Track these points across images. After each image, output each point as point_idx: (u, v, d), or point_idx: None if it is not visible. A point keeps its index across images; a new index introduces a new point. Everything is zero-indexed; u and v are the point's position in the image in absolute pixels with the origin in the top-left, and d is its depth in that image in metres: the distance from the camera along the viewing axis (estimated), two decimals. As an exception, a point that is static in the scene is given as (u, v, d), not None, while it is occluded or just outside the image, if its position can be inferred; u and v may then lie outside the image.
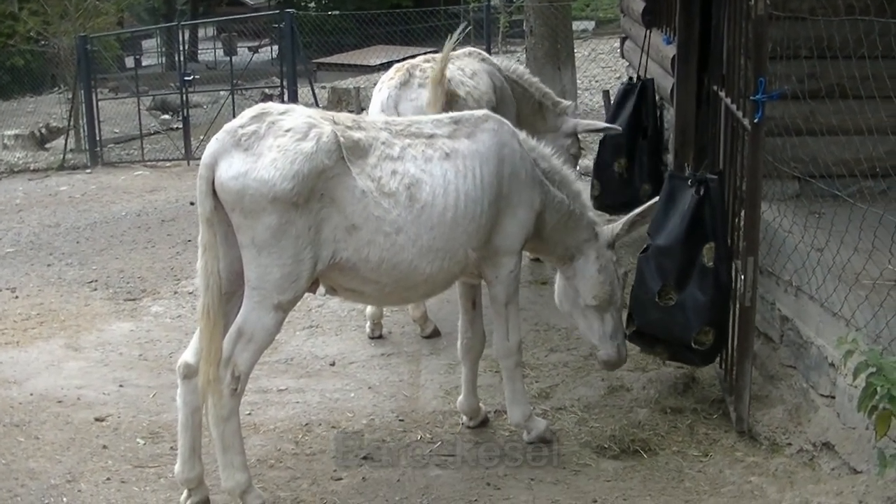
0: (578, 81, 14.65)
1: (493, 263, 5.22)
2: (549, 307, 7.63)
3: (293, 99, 15.61)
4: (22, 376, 6.76)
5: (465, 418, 5.79)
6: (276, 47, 23.61)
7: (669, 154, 8.79)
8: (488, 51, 12.93)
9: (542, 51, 13.00)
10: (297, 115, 4.62)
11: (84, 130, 17.43)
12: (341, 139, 4.62)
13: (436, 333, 7.24)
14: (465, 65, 7.51)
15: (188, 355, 4.80)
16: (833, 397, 5.07)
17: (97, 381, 6.69)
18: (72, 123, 17.98)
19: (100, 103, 17.39)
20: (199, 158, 14.69)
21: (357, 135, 4.74)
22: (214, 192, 4.51)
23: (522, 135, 5.40)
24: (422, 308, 7.18)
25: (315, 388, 6.43)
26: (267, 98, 21.85)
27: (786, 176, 6.02)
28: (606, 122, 9.01)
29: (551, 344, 6.99)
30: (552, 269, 7.23)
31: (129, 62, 29.78)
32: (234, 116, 16.13)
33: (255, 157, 4.45)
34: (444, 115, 5.34)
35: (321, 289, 5.02)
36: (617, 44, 14.34)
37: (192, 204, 12.33)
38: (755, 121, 5.15)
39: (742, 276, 5.36)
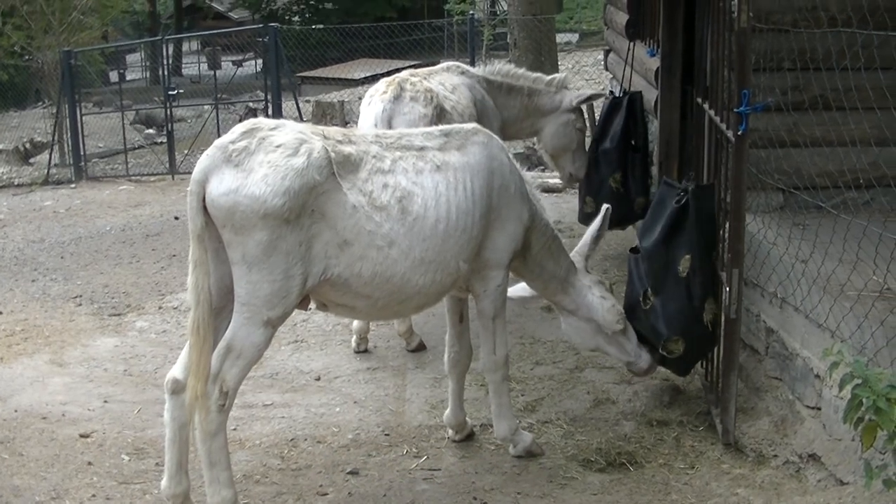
0: (563, 94, 14.63)
1: (481, 277, 5.22)
2: (534, 320, 7.66)
3: (277, 113, 15.62)
4: (6, 392, 6.72)
5: (451, 432, 5.78)
6: (260, 61, 23.58)
7: (654, 166, 8.80)
8: (472, 64, 12.95)
9: (526, 63, 13.08)
10: (287, 131, 4.60)
11: (68, 145, 17.39)
12: (332, 154, 4.61)
13: (421, 347, 7.23)
14: (444, 79, 7.50)
15: (176, 371, 4.77)
16: (819, 409, 5.07)
17: (82, 396, 6.65)
18: (56, 138, 17.93)
19: (84, 118, 17.34)
20: (184, 173, 14.78)
21: (348, 149, 4.73)
22: (205, 208, 4.49)
23: (509, 152, 5.42)
24: (407, 322, 7.17)
25: (300, 402, 6.41)
26: (251, 112, 21.87)
27: (770, 188, 6.04)
28: (594, 137, 9.01)
29: (537, 357, 6.98)
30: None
31: (114, 76, 29.71)
32: (218, 130, 16.19)
33: (246, 174, 4.42)
34: (434, 128, 5.34)
35: (312, 304, 5.00)
36: (601, 56, 14.37)
37: (176, 219, 12.33)
38: (739, 133, 5.16)
39: (727, 288, 5.37)
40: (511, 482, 5.28)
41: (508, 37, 15.78)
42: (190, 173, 15.11)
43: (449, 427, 5.78)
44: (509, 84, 7.98)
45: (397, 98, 6.97)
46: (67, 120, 17.22)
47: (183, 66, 37.00)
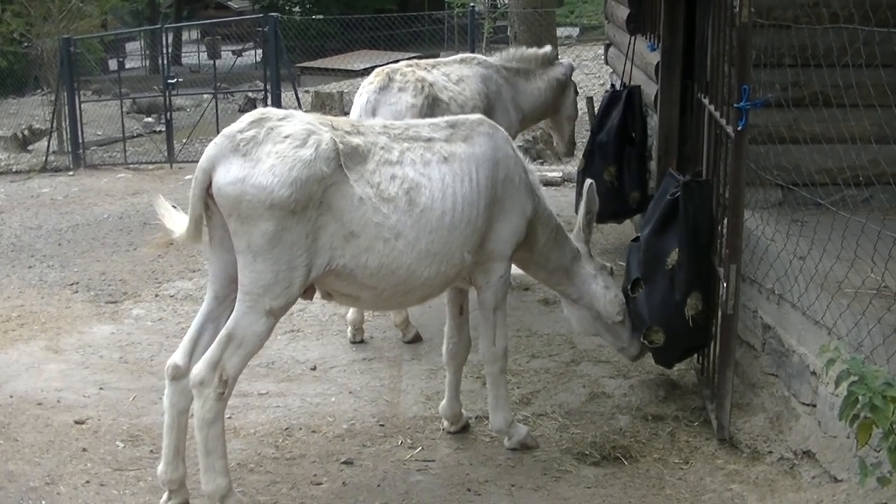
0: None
1: (484, 269, 5.24)
2: (531, 313, 7.66)
3: (276, 103, 15.57)
4: (1, 378, 6.71)
5: (446, 423, 5.78)
6: (259, 51, 23.56)
7: (653, 161, 8.79)
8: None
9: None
10: (296, 122, 4.59)
11: (67, 132, 17.33)
12: (340, 146, 4.61)
13: (417, 338, 7.23)
14: (452, 71, 7.50)
15: (177, 357, 4.78)
16: (814, 406, 5.08)
17: (77, 383, 6.64)
18: (54, 125, 17.88)
19: (83, 105, 17.30)
20: (182, 162, 14.73)
21: (356, 140, 4.73)
22: (209, 196, 4.50)
23: (514, 144, 5.45)
24: (403, 313, 7.17)
25: (296, 392, 6.41)
26: (250, 102, 21.87)
27: (769, 184, 6.03)
28: (592, 130, 9.05)
29: (533, 350, 6.98)
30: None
31: (113, 65, 29.67)
32: (217, 120, 16.14)
33: (254, 163, 4.42)
34: (440, 119, 5.34)
35: (316, 294, 5.00)
36: (601, 50, 14.36)
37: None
38: (739, 128, 5.16)
39: (724, 284, 5.37)
40: (505, 474, 5.28)
41: (509, 30, 15.75)
42: (188, 162, 15.20)
43: (444, 418, 5.78)
44: (525, 68, 8.10)
45: (384, 88, 6.97)
46: (66, 107, 17.16)
47: (182, 55, 36.98)
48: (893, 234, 4.42)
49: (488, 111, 7.38)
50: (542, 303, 7.85)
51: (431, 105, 6.92)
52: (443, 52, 23.94)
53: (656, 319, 5.72)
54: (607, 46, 11.91)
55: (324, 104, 20.76)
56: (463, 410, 5.81)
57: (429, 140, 5.00)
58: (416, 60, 7.61)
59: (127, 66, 33.37)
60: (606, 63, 12.19)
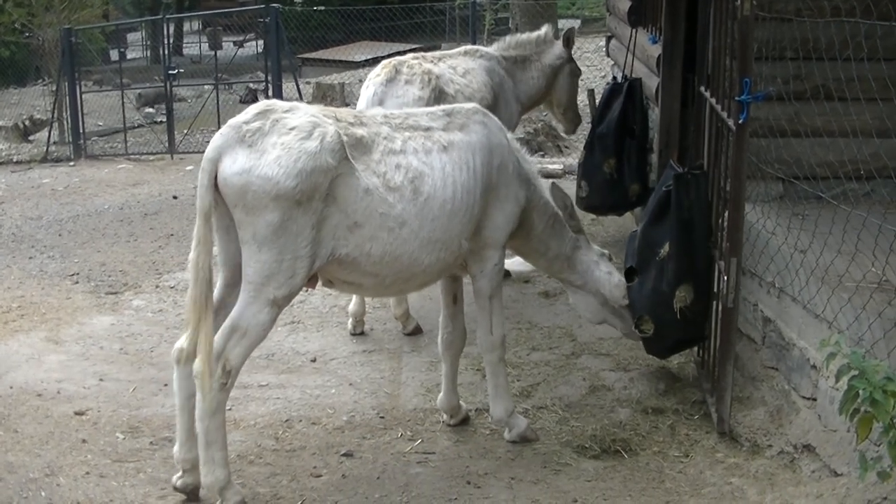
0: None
1: (478, 257, 5.28)
2: (531, 306, 7.65)
3: (277, 94, 15.55)
4: (2, 369, 6.71)
5: (445, 416, 5.78)
6: (261, 42, 23.52)
7: (654, 154, 8.78)
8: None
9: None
10: (301, 114, 4.65)
11: (68, 123, 17.31)
12: (344, 137, 4.65)
13: (417, 331, 7.23)
14: (458, 63, 7.51)
15: (183, 340, 4.80)
16: (814, 399, 5.07)
17: (77, 374, 6.65)
18: (55, 116, 17.85)
19: (84, 96, 17.28)
20: (183, 152, 14.75)
21: (360, 131, 4.78)
22: (216, 187, 4.53)
23: (509, 134, 5.49)
24: (404, 305, 7.17)
25: (296, 384, 6.41)
26: (252, 93, 21.82)
27: (770, 177, 6.02)
28: (593, 122, 9.03)
29: (533, 342, 6.98)
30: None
31: (114, 55, 29.60)
32: (218, 111, 16.14)
33: (259, 154, 4.47)
34: (436, 108, 5.43)
35: (318, 283, 5.04)
36: (602, 42, 14.34)
37: (175, 198, 12.31)
38: (740, 122, 5.16)
39: (725, 278, 5.36)
40: (505, 467, 5.29)
41: (510, 21, 15.75)
42: (189, 153, 15.19)
43: (442, 411, 5.78)
44: (522, 55, 8.08)
45: (391, 81, 6.98)
46: (67, 98, 17.13)
47: (184, 45, 36.90)
48: (894, 227, 4.40)
49: (494, 103, 7.40)
50: (542, 295, 7.84)
51: (438, 98, 6.92)
52: (444, 43, 23.90)
53: (646, 309, 5.75)
54: (608, 39, 11.89)
55: (325, 95, 20.73)
56: (462, 402, 5.81)
57: (428, 129, 5.07)
58: (422, 53, 7.62)
59: (128, 56, 33.29)
60: (608, 55, 12.18)
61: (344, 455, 5.44)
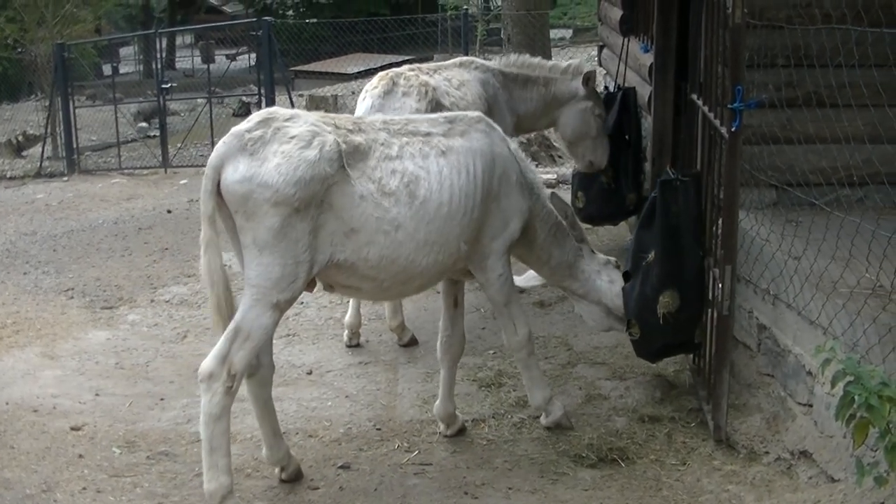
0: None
1: (481, 267, 5.36)
2: (528, 315, 7.63)
3: (270, 107, 15.54)
4: (-3, 385, 6.70)
5: (442, 426, 5.78)
6: (254, 55, 23.52)
7: (647, 162, 8.79)
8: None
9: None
10: (301, 123, 4.75)
11: (61, 138, 17.33)
12: (343, 146, 4.75)
13: (413, 342, 7.23)
14: (453, 75, 7.48)
15: None
16: (811, 405, 5.07)
17: (73, 389, 6.63)
18: (49, 131, 17.87)
19: (77, 111, 17.30)
20: (177, 166, 14.73)
21: (358, 138, 4.87)
22: (219, 193, 4.64)
23: (514, 143, 5.57)
24: (399, 317, 7.16)
25: (292, 396, 6.40)
26: (245, 106, 21.83)
27: (763, 184, 6.03)
28: None
29: (529, 352, 6.96)
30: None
31: (107, 70, 29.62)
32: (211, 124, 16.13)
33: (260, 162, 4.58)
34: (438, 115, 5.51)
35: (318, 286, 5.11)
36: (594, 52, 14.37)
37: (169, 212, 12.30)
38: (733, 129, 5.16)
39: (720, 285, 5.37)
40: (502, 477, 5.28)
41: (502, 32, 15.74)
42: (183, 167, 15.15)
43: (438, 419, 5.78)
44: (525, 75, 7.96)
45: (388, 93, 6.97)
46: (60, 113, 17.16)
47: (176, 59, 36.94)
48: (888, 233, 4.41)
49: (488, 114, 7.37)
50: (537, 305, 7.84)
51: (434, 110, 6.91)
52: (437, 54, 23.93)
53: (632, 312, 5.77)
54: (601, 48, 11.90)
55: (318, 107, 20.72)
56: (458, 413, 5.81)
57: (427, 135, 5.14)
58: (418, 65, 7.60)
59: (121, 70, 33.33)
60: (600, 65, 12.18)
61: (341, 467, 5.43)
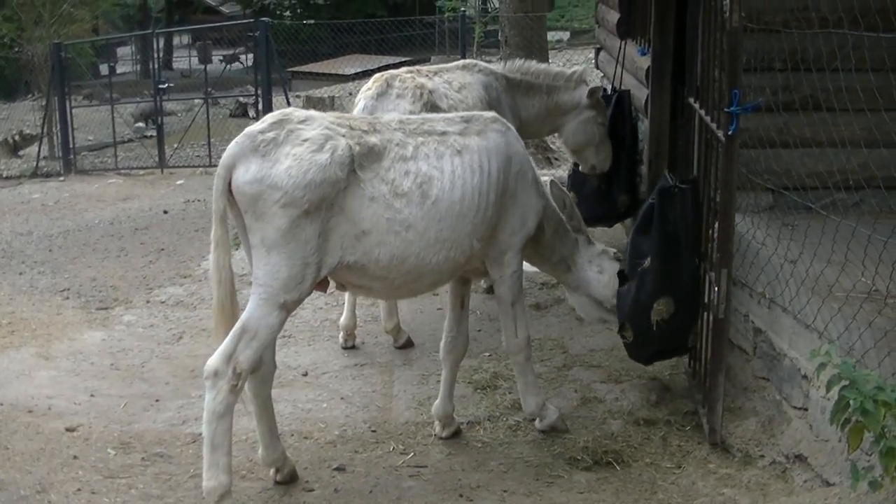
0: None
1: (498, 263, 5.40)
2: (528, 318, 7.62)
3: (267, 108, 15.56)
4: (-8, 386, 6.69)
5: (437, 428, 5.77)
6: (251, 56, 23.52)
7: (644, 165, 8.79)
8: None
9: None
10: (315, 125, 4.77)
11: (58, 138, 17.31)
12: (356, 147, 4.77)
13: (409, 344, 7.22)
14: (454, 78, 7.46)
15: None
16: (806, 409, 5.07)
17: (68, 390, 6.62)
18: (45, 130, 17.85)
19: (73, 110, 17.28)
20: (173, 167, 14.74)
21: (373, 139, 4.89)
22: (230, 192, 4.67)
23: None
24: (395, 319, 7.16)
25: (287, 398, 6.38)
26: (242, 107, 21.83)
27: (759, 188, 6.03)
28: None
29: (525, 355, 6.96)
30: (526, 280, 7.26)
31: (104, 69, 29.61)
32: (208, 125, 16.14)
33: (272, 164, 4.61)
34: (454, 115, 5.55)
35: (332, 285, 5.14)
36: (592, 54, 14.36)
37: (165, 212, 12.30)
38: (729, 133, 5.16)
39: (716, 289, 5.36)
40: (497, 480, 5.27)
41: (500, 34, 15.72)
42: (179, 167, 15.16)
43: (436, 419, 5.78)
44: (528, 82, 7.92)
45: (382, 95, 6.96)
46: (57, 112, 17.14)
47: (174, 60, 36.92)
48: (884, 237, 4.41)
49: None
50: (533, 308, 7.84)
51: (430, 112, 6.89)
52: (434, 56, 23.93)
53: (625, 315, 5.77)
54: (598, 51, 11.91)
55: (315, 109, 20.71)
56: (455, 416, 5.80)
57: (443, 134, 5.16)
58: (417, 67, 7.60)
59: (118, 70, 33.29)
60: (597, 67, 12.20)
61: (336, 469, 5.42)
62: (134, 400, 6.42)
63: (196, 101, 19.10)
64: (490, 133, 5.29)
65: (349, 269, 4.86)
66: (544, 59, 15.37)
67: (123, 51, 36.33)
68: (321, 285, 4.95)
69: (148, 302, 8.59)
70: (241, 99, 22.13)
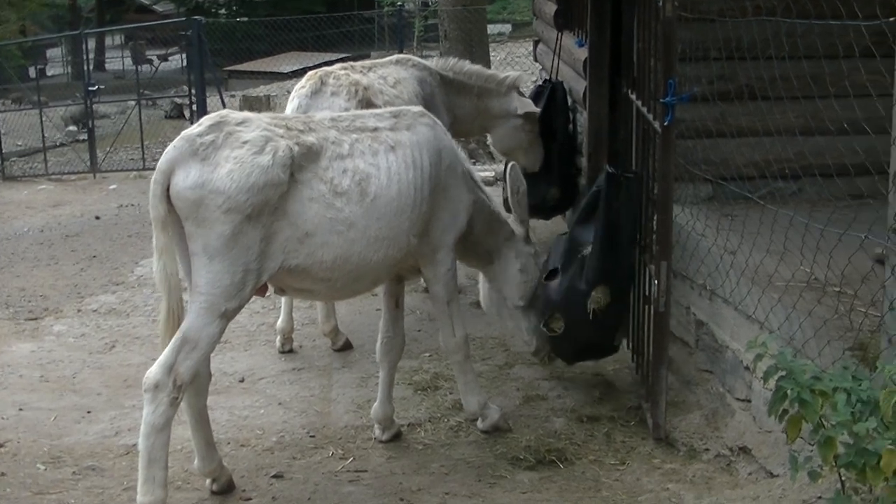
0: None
1: (430, 261, 5.33)
2: (463, 316, 7.55)
3: (202, 108, 15.36)
4: (-85, 402, 6.46)
5: (377, 431, 5.67)
6: (185, 56, 23.27)
7: (583, 158, 8.74)
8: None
9: (457, 55, 12.85)
10: (254, 127, 4.67)
11: (-15, 143, 16.96)
12: (295, 148, 4.69)
13: (347, 346, 7.10)
14: (388, 73, 7.35)
15: None
16: (749, 401, 5.07)
17: (-5, 404, 6.42)
18: (-28, 137, 17.48)
19: (1, 115, 16.94)
20: (106, 171, 14.43)
21: (310, 139, 4.81)
22: (168, 198, 4.54)
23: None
24: (332, 321, 7.04)
25: (224, 405, 6.24)
26: (177, 108, 21.56)
27: (698, 178, 6.02)
28: None
29: (466, 353, 6.88)
30: (466, 278, 7.18)
31: (33, 72, 29.08)
32: (141, 127, 15.84)
33: (213, 168, 4.50)
34: (383, 110, 5.58)
35: (270, 290, 5.07)
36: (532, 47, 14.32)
37: (97, 218, 12.06)
38: (666, 123, 5.14)
39: (656, 281, 5.32)
40: (439, 482, 5.19)
41: (439, 28, 15.65)
42: (112, 171, 14.86)
43: (376, 422, 5.68)
44: (461, 81, 7.85)
45: (316, 92, 6.84)
46: (-16, 117, 16.81)
47: (106, 60, 36.38)
48: (821, 225, 4.40)
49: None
50: (474, 305, 7.73)
51: (366, 109, 6.78)
52: (373, 52, 23.83)
53: (559, 305, 5.73)
54: (536, 43, 11.85)
55: (252, 108, 20.51)
56: (395, 418, 5.71)
57: (375, 130, 5.11)
58: (351, 63, 7.47)
59: (48, 73, 32.76)
60: (535, 60, 12.15)
61: (274, 476, 5.30)
62: (64, 412, 6.24)
63: (129, 102, 18.81)
64: (419, 127, 5.23)
65: (290, 272, 4.77)
66: (485, 52, 15.32)
67: (53, 52, 35.71)
68: (260, 289, 4.85)
69: (79, 311, 8.38)
70: (176, 100, 21.85)
